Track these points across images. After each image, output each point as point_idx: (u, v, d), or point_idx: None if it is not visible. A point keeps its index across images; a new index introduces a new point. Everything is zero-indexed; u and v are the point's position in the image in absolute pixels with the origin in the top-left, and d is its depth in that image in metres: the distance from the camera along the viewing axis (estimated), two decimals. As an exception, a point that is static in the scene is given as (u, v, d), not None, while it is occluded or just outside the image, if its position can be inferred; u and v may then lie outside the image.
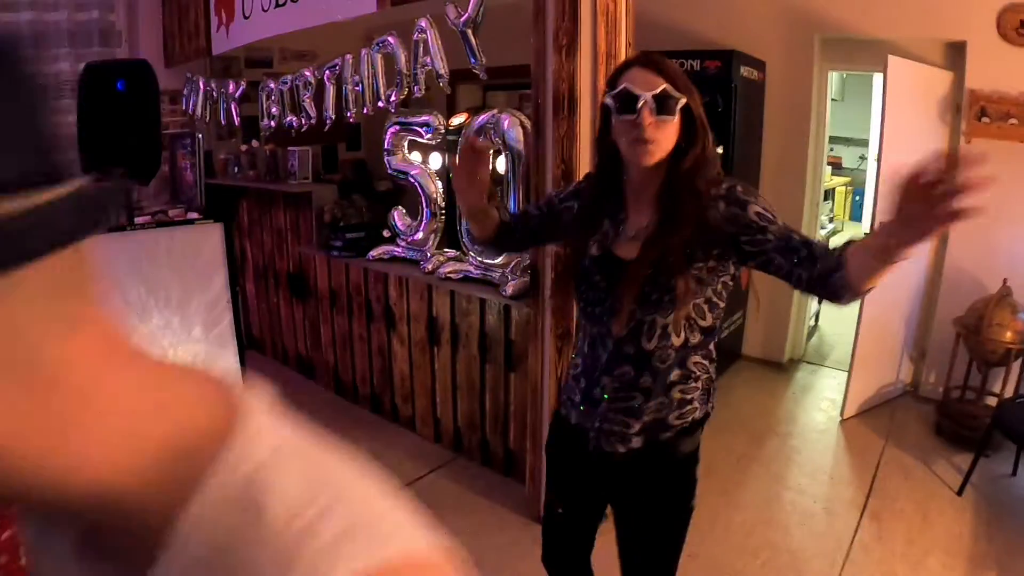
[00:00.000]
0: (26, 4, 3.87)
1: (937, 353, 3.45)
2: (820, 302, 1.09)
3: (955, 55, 3.25)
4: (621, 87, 1.11)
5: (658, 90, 1.09)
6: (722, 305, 1.21)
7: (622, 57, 2.18)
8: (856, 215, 7.48)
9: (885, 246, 0.91)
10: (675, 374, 1.19)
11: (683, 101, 1.11)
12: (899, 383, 3.62)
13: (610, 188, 1.24)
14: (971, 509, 2.57)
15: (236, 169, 4.02)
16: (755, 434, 3.18)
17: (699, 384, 1.22)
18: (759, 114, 3.77)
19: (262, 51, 4.73)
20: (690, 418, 1.23)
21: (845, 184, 7.29)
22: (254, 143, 3.84)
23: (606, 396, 1.22)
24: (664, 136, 1.11)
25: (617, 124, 1.14)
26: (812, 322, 4.40)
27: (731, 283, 1.20)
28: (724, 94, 3.44)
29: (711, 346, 1.23)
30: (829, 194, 6.25)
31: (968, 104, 3.18)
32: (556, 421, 1.39)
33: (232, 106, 3.82)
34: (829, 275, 1.03)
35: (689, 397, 1.22)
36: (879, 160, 3.08)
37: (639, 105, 1.08)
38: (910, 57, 3.20)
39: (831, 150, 5.20)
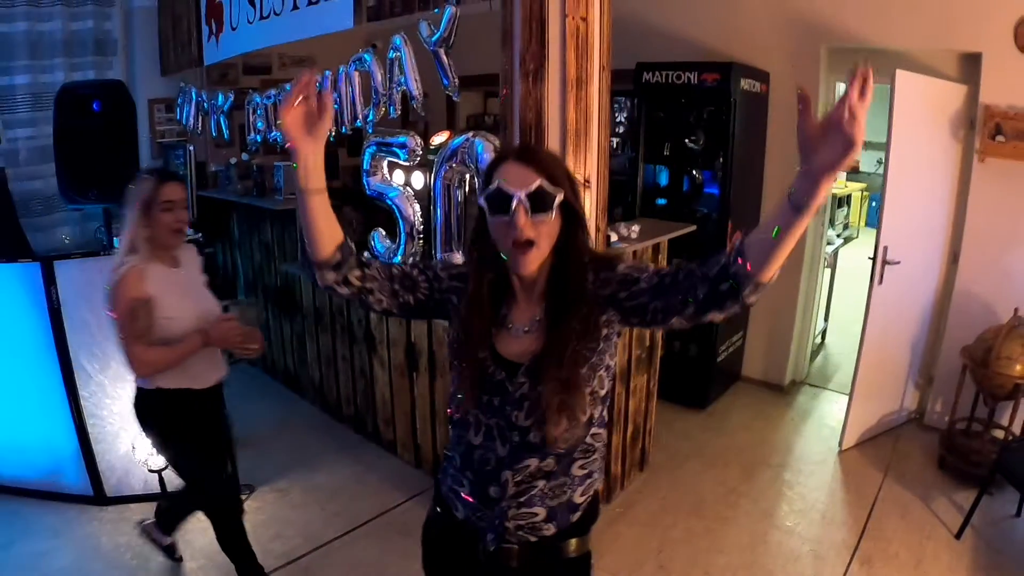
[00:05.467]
0: (21, 14, 3.84)
1: (945, 380, 3.30)
2: (724, 308, 0.97)
3: (970, 67, 3.06)
4: (494, 186, 1.04)
5: (533, 187, 1.01)
6: (614, 365, 1.16)
7: (594, 84, 2.07)
8: (872, 221, 7.21)
9: (794, 199, 0.85)
10: (578, 451, 1.14)
11: (560, 196, 1.03)
12: (904, 410, 3.46)
13: (493, 287, 1.15)
14: (969, 555, 2.45)
15: (227, 182, 3.99)
16: (748, 466, 3.06)
17: (597, 456, 1.18)
18: (762, 128, 3.59)
19: (260, 57, 4.69)
20: (592, 491, 1.19)
21: (861, 189, 7.04)
22: (243, 156, 3.80)
23: (507, 493, 1.12)
24: (543, 235, 1.04)
25: (493, 225, 1.06)
26: (818, 339, 4.24)
27: (618, 339, 1.15)
28: (723, 109, 3.30)
29: (604, 412, 1.18)
30: (845, 200, 6.03)
31: (982, 120, 2.99)
32: (434, 518, 1.25)
33: (222, 119, 3.77)
34: (725, 271, 0.93)
35: (588, 471, 1.17)
36: (884, 181, 2.91)
37: (513, 205, 1.01)
38: (922, 69, 3.02)
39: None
